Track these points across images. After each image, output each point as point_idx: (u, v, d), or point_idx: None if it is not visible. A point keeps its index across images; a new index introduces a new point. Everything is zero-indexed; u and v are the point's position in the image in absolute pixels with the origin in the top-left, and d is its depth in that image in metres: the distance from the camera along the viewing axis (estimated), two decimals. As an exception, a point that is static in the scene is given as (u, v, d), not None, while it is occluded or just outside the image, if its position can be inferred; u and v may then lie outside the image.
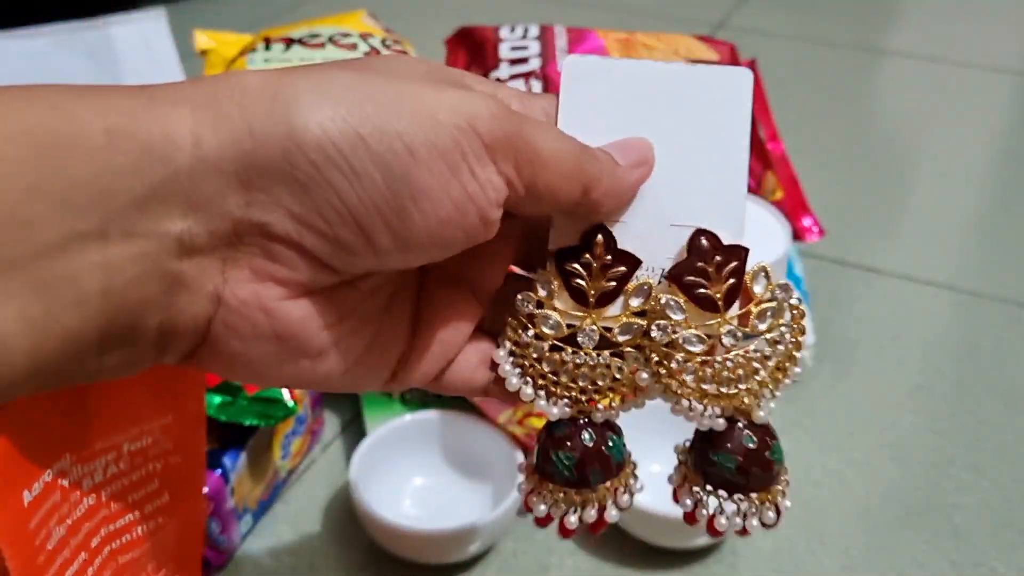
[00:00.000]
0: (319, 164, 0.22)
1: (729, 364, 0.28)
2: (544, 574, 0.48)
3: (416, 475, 0.52)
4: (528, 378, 0.29)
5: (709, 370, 0.28)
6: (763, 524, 0.30)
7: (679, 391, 0.28)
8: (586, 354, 0.28)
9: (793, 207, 0.60)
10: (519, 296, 0.28)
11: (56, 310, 0.21)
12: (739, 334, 0.28)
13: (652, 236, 0.28)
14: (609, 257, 0.28)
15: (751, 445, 0.29)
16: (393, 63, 0.25)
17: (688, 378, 0.28)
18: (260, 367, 0.25)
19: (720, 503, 0.29)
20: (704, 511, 0.29)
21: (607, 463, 0.29)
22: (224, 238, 0.23)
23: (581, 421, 0.29)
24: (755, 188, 0.59)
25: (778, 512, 0.30)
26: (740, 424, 0.29)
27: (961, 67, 1.11)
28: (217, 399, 0.47)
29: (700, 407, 0.28)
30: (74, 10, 0.68)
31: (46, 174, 0.20)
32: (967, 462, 0.56)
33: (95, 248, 0.21)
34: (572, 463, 0.29)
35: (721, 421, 0.28)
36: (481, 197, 0.24)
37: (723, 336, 0.28)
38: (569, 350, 0.28)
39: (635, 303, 0.28)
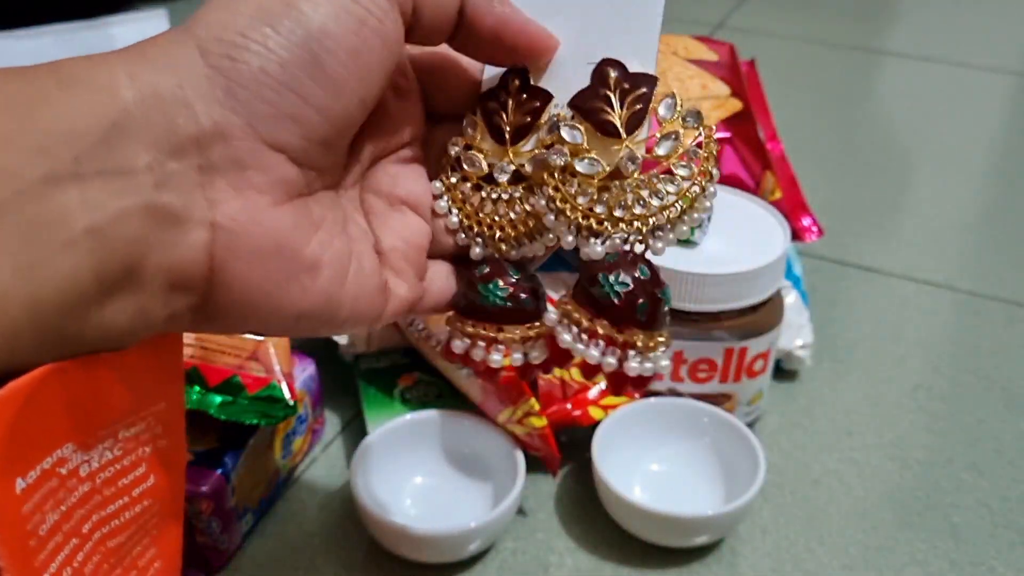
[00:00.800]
0: (229, 51, 0.24)
1: (627, 188, 0.28)
2: (544, 573, 0.49)
3: (416, 474, 0.52)
4: (460, 219, 0.30)
5: (605, 195, 0.27)
6: (643, 373, 0.28)
7: (570, 215, 0.28)
8: (501, 190, 0.29)
9: (792, 207, 0.60)
10: (450, 140, 0.30)
11: (46, 254, 0.21)
12: (638, 157, 0.27)
13: (570, 76, 0.28)
14: (524, 95, 0.29)
15: (642, 276, 0.28)
16: None
17: (581, 200, 0.28)
18: (270, 290, 0.26)
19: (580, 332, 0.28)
20: (580, 346, 0.28)
21: (537, 292, 0.30)
22: (191, 161, 0.24)
23: (501, 260, 0.30)
24: (754, 188, 0.59)
25: (634, 382, 0.29)
26: (637, 255, 0.28)
27: (960, 67, 1.11)
28: (218, 399, 0.47)
29: (593, 236, 0.28)
30: (75, 10, 0.68)
31: (14, 127, 0.21)
32: (966, 462, 0.56)
33: (73, 188, 0.22)
34: (505, 293, 0.29)
35: (600, 249, 0.28)
36: (371, 18, 0.26)
37: (622, 160, 0.28)
38: (488, 188, 0.29)
39: (545, 136, 0.29)
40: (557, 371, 0.51)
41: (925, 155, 0.92)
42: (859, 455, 0.56)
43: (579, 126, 0.28)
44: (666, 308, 0.28)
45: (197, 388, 0.47)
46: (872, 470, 0.55)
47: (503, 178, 0.29)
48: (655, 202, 0.28)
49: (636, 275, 0.28)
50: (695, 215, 0.28)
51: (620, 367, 0.28)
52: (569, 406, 0.52)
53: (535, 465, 0.52)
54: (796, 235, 0.59)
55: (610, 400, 0.53)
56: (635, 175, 0.28)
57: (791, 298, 0.60)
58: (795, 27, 1.21)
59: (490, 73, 0.30)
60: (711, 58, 0.65)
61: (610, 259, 0.28)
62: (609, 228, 0.28)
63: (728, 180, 0.58)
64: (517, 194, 0.29)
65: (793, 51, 1.15)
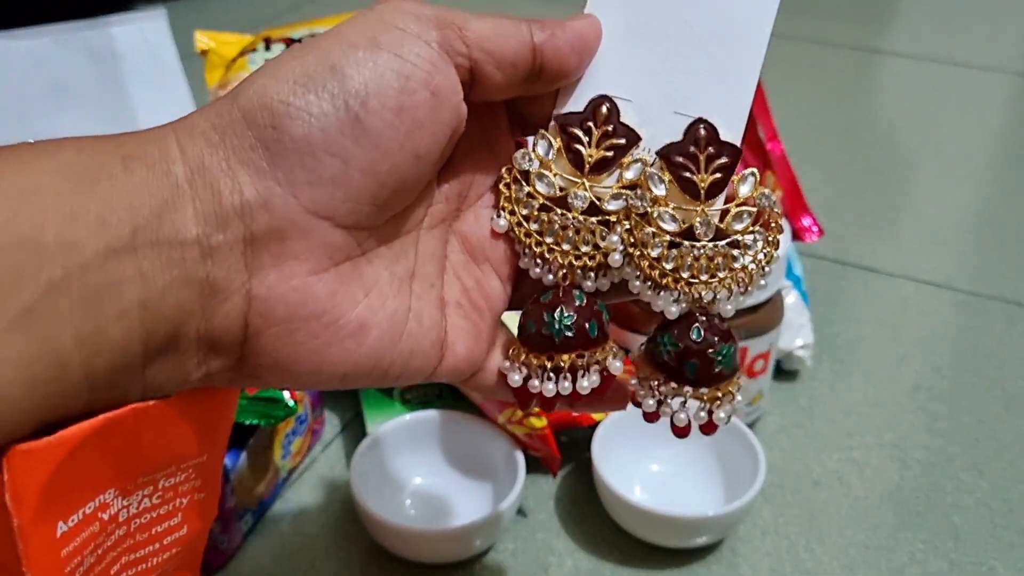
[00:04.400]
0: (272, 120, 0.24)
1: (695, 254, 0.28)
2: (544, 573, 0.49)
3: (416, 475, 0.52)
4: (520, 237, 0.29)
5: (674, 252, 0.28)
6: (683, 419, 0.29)
7: (641, 264, 0.28)
8: (574, 217, 0.29)
9: (792, 207, 0.60)
10: (518, 152, 0.29)
11: (103, 325, 0.23)
12: (712, 226, 0.28)
13: (655, 119, 0.29)
14: (610, 127, 0.28)
15: (695, 337, 0.28)
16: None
17: (653, 253, 0.28)
18: (307, 355, 0.26)
19: (655, 388, 0.29)
20: (642, 395, 0.29)
21: (601, 319, 0.29)
22: (236, 231, 0.24)
23: (569, 288, 0.29)
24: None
25: (704, 427, 0.29)
26: (698, 315, 0.29)
27: (960, 67, 1.11)
28: (217, 399, 0.47)
29: (659, 290, 0.28)
30: (74, 10, 0.68)
31: (82, 201, 0.23)
32: (966, 462, 0.56)
33: (129, 261, 0.23)
34: (570, 321, 0.29)
35: (675, 308, 0.28)
36: (418, 72, 0.25)
37: (696, 224, 0.28)
38: (558, 211, 0.29)
39: (629, 175, 0.29)
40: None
41: (925, 155, 0.92)
42: (859, 455, 0.56)
43: (666, 178, 0.28)
44: (720, 368, 0.29)
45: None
46: (872, 470, 0.55)
47: (578, 205, 0.29)
48: (720, 273, 0.28)
49: (691, 336, 0.28)
50: (752, 285, 0.29)
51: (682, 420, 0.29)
52: (569, 406, 0.52)
53: (535, 465, 0.52)
54: (796, 235, 0.59)
55: (610, 400, 0.52)
56: (706, 240, 0.28)
57: (791, 298, 0.60)
58: (795, 27, 1.21)
59: (567, 95, 0.29)
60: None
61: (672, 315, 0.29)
62: (675, 286, 0.28)
63: (728, 180, 0.58)
64: (589, 224, 0.29)
65: (793, 51, 1.15)
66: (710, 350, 0.28)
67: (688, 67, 0.29)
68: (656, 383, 0.29)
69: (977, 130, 0.98)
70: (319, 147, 0.24)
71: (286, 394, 0.48)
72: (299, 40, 0.68)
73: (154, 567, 0.29)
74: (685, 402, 0.29)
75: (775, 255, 0.29)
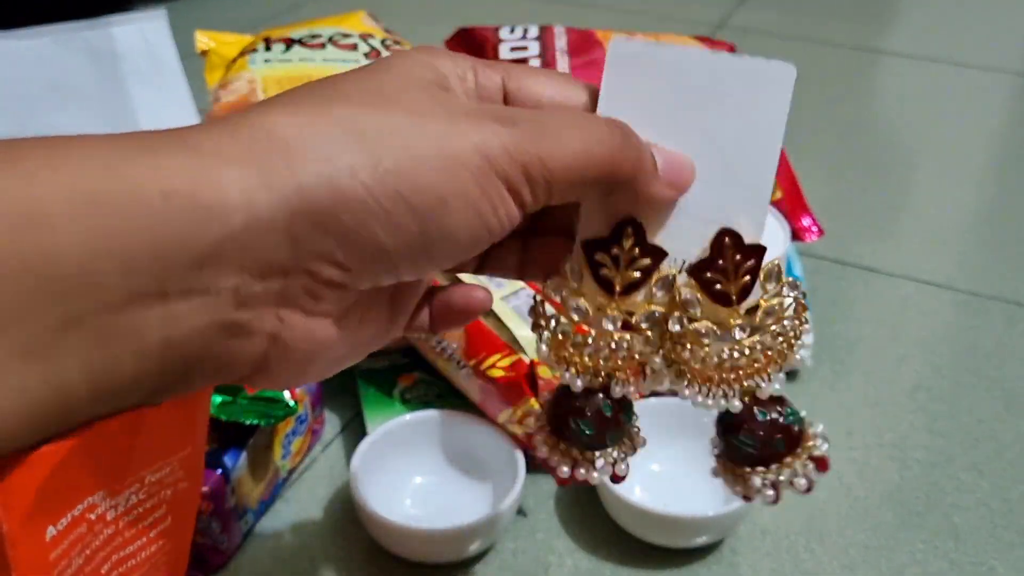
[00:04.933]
0: (362, 219, 0.24)
1: (736, 354, 0.30)
2: (544, 573, 0.49)
3: (416, 474, 0.52)
4: (553, 352, 0.30)
5: (717, 358, 0.29)
6: (803, 483, 0.32)
7: (691, 376, 0.30)
8: (608, 338, 0.30)
9: (792, 207, 0.60)
10: (549, 282, 0.30)
11: (118, 360, 0.22)
12: (748, 328, 0.30)
13: (680, 227, 0.29)
14: (637, 251, 0.29)
15: (764, 418, 0.30)
16: (402, 81, 0.27)
17: (697, 366, 0.30)
18: (307, 376, 0.28)
19: (760, 479, 0.32)
20: (751, 489, 0.32)
21: (621, 427, 0.31)
22: (275, 287, 0.24)
23: (600, 394, 0.31)
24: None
25: (819, 465, 0.32)
26: (750, 404, 0.31)
27: (959, 67, 1.11)
28: (217, 399, 0.47)
29: (712, 391, 0.30)
30: (74, 10, 0.68)
31: (108, 236, 0.21)
32: (966, 462, 0.56)
33: (155, 305, 0.22)
34: (592, 430, 0.31)
35: (737, 403, 0.30)
36: (497, 228, 0.26)
37: (735, 329, 0.30)
38: (593, 332, 0.30)
39: (659, 294, 0.30)
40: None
41: (925, 155, 0.92)
42: (859, 455, 0.56)
43: (698, 295, 0.29)
44: (797, 427, 0.31)
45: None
46: (872, 470, 0.55)
47: (609, 327, 0.30)
48: (758, 363, 0.30)
49: (760, 421, 0.31)
50: (787, 363, 0.31)
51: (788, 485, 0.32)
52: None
53: (535, 465, 0.52)
54: (796, 235, 0.59)
55: (610, 400, 0.52)
56: (744, 341, 0.30)
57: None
58: (795, 27, 1.21)
59: (587, 209, 0.29)
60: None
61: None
62: (723, 388, 0.30)
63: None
64: (624, 342, 0.30)
65: (793, 51, 1.15)
66: (781, 420, 0.31)
67: (706, 174, 0.29)
68: (765, 473, 0.31)
69: (977, 130, 0.98)
70: (385, 251, 0.25)
71: (286, 394, 0.48)
72: (299, 41, 0.68)
73: (143, 561, 0.30)
74: (795, 471, 0.32)
75: (804, 332, 0.31)
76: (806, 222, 0.60)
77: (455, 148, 0.25)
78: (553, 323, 0.30)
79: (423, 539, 0.47)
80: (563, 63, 0.62)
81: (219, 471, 0.46)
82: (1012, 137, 0.97)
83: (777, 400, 0.31)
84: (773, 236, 0.53)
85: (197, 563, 0.47)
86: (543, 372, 0.51)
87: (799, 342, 0.31)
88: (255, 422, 0.47)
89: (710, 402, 0.30)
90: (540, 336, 0.31)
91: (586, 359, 0.30)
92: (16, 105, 0.61)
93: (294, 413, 0.48)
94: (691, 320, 0.29)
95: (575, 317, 0.30)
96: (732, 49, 0.67)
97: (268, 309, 0.25)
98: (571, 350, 0.30)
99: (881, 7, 1.31)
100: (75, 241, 0.21)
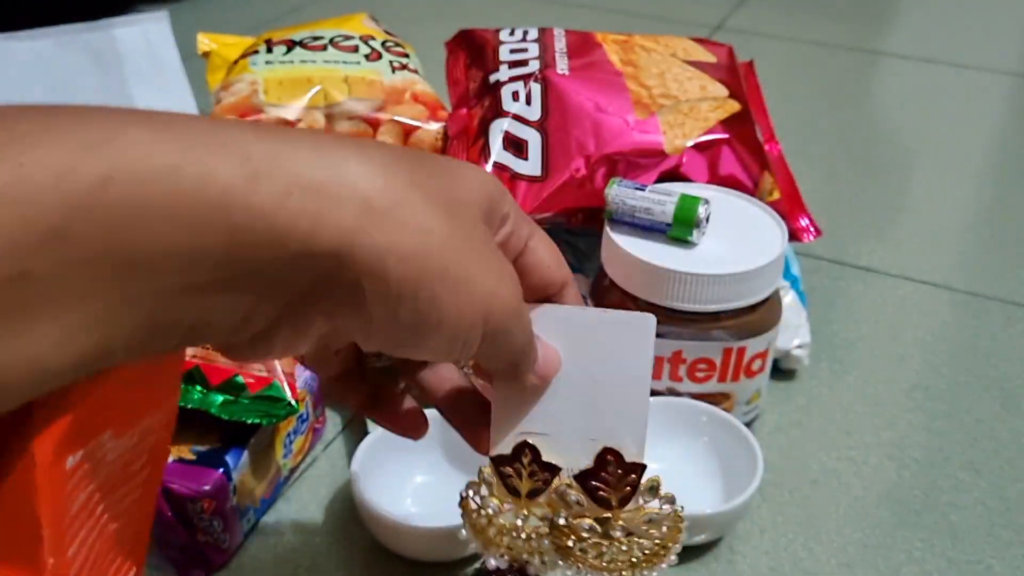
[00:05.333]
0: (376, 296, 0.27)
1: (614, 550, 0.37)
2: (544, 571, 0.49)
3: (417, 473, 0.52)
4: (477, 536, 0.38)
5: (601, 550, 0.37)
6: None
7: (577, 564, 0.37)
8: (520, 529, 0.37)
9: (790, 207, 0.60)
10: (468, 488, 0.38)
11: (154, 331, 0.25)
12: (626, 531, 0.37)
13: (572, 446, 0.36)
14: (536, 467, 0.37)
15: None
16: (467, 194, 0.30)
17: (580, 553, 0.37)
18: (261, 359, 0.31)
19: None
20: None
21: None
22: (287, 305, 0.27)
23: (514, 568, 0.39)
24: (752, 189, 0.59)
25: None
26: None
27: (957, 68, 1.11)
28: (219, 398, 0.47)
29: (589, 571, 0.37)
30: (77, 12, 0.69)
31: (184, 237, 0.24)
32: (964, 461, 0.56)
33: (198, 296, 0.25)
34: None
35: None
36: (456, 360, 0.33)
37: (614, 531, 0.37)
38: (508, 526, 0.37)
39: (553, 497, 0.37)
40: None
41: (923, 155, 0.92)
42: (857, 454, 0.57)
43: (582, 497, 0.36)
44: None
45: (199, 388, 0.47)
46: (870, 469, 0.56)
47: (519, 524, 0.37)
48: (633, 560, 0.37)
49: None
50: (661, 565, 0.38)
51: None
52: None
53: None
54: (794, 235, 0.60)
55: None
56: (619, 540, 0.37)
57: (789, 298, 0.61)
58: (793, 28, 1.21)
59: (498, 435, 0.37)
60: (710, 60, 0.65)
61: None
62: (599, 569, 0.37)
63: (726, 181, 0.58)
64: (532, 534, 0.37)
65: (791, 52, 1.15)
66: None
67: (593, 400, 0.36)
68: None
69: (975, 130, 0.98)
70: (374, 328, 0.28)
71: (287, 393, 0.48)
72: (300, 43, 0.68)
73: (124, 509, 0.31)
74: None
75: (677, 543, 0.38)
76: (804, 222, 0.61)
77: (476, 286, 0.29)
78: (474, 516, 0.38)
79: (424, 537, 0.47)
80: (562, 64, 0.62)
81: (221, 470, 0.46)
82: (1010, 138, 0.97)
83: None
84: (771, 236, 0.53)
85: (199, 561, 0.48)
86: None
87: (673, 547, 0.37)
88: (256, 421, 0.47)
89: None
90: (465, 522, 0.38)
91: (504, 542, 0.38)
92: (19, 106, 0.61)
93: (295, 412, 0.48)
94: (576, 516, 0.36)
95: (492, 514, 0.37)
96: (731, 51, 0.68)
97: (271, 315, 0.27)
98: (491, 535, 0.38)
99: (879, 8, 1.32)
100: (145, 233, 0.23)
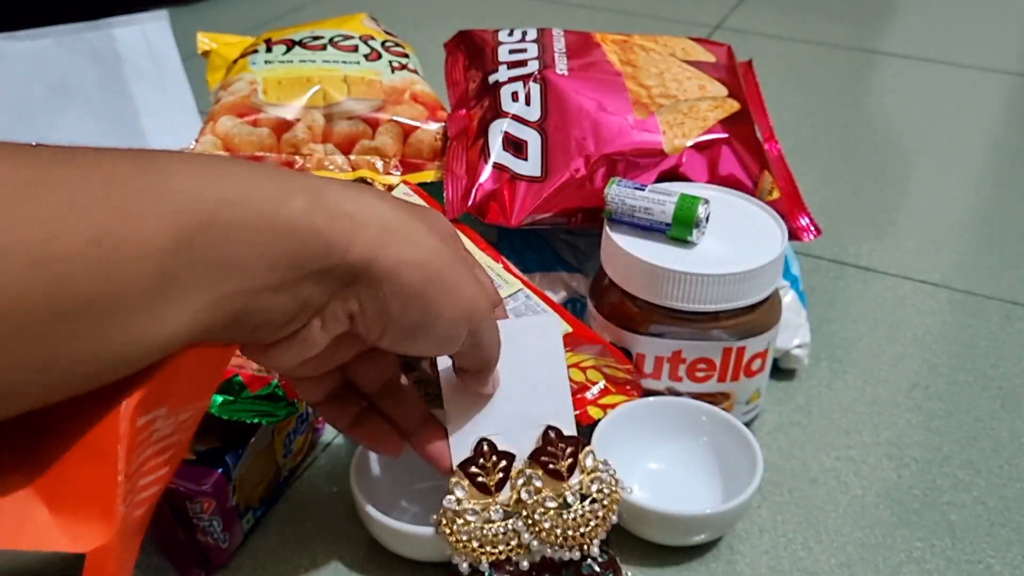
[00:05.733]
0: (397, 296, 0.35)
1: (572, 518, 0.43)
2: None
3: (416, 474, 0.52)
4: (455, 542, 0.44)
5: (561, 519, 0.43)
6: None
7: (544, 536, 0.43)
8: (495, 525, 0.44)
9: (790, 207, 0.60)
10: (446, 497, 0.44)
11: (235, 321, 0.33)
12: (578, 495, 0.44)
13: (520, 436, 0.45)
14: (494, 457, 0.44)
15: (587, 572, 0.45)
16: (445, 227, 0.40)
17: (547, 525, 0.43)
18: (288, 365, 0.38)
19: None
20: None
21: None
22: (325, 301, 0.35)
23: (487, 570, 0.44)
24: (751, 188, 0.59)
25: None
26: (585, 556, 0.44)
27: (956, 68, 1.11)
28: (219, 398, 0.47)
29: (560, 548, 0.44)
30: (77, 11, 0.69)
31: (268, 248, 0.32)
32: (963, 460, 0.56)
33: (270, 294, 0.33)
34: None
35: (577, 553, 0.44)
36: (446, 352, 0.40)
37: (567, 496, 0.44)
38: (484, 525, 0.44)
39: (519, 483, 0.44)
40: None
41: (922, 155, 0.92)
42: (856, 453, 0.57)
43: (539, 472, 0.44)
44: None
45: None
46: (869, 468, 0.56)
47: (495, 518, 0.44)
48: (589, 526, 0.44)
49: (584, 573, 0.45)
50: (608, 525, 0.44)
51: None
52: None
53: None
54: (794, 235, 0.60)
55: (609, 400, 0.53)
56: (576, 506, 0.44)
57: (789, 298, 0.61)
58: (792, 28, 1.21)
59: (457, 443, 0.45)
60: (709, 59, 0.65)
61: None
62: (568, 545, 0.44)
63: (726, 181, 0.58)
64: (509, 527, 0.44)
65: (790, 52, 1.15)
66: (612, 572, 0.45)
67: (528, 398, 0.45)
68: None
69: (974, 130, 0.98)
70: (387, 319, 0.37)
71: (287, 393, 0.48)
72: (300, 42, 0.68)
73: (147, 499, 0.33)
74: None
75: (618, 499, 0.45)
76: (804, 222, 0.61)
77: (464, 291, 0.37)
78: (454, 524, 0.44)
79: (424, 539, 0.47)
80: (561, 65, 0.62)
81: (221, 470, 0.46)
82: (1009, 137, 0.97)
83: (608, 561, 0.45)
84: (770, 236, 0.53)
85: (199, 561, 0.48)
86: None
87: (617, 507, 0.45)
88: (256, 421, 0.47)
89: (565, 554, 0.44)
90: (439, 530, 0.44)
91: (474, 544, 0.43)
92: (19, 106, 0.61)
93: (296, 412, 0.48)
94: (537, 491, 0.44)
95: (471, 519, 0.43)
96: (730, 51, 0.68)
97: (311, 312, 0.35)
98: (464, 539, 0.43)
99: (878, 8, 1.32)
100: (245, 244, 0.31)
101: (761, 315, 0.53)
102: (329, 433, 0.57)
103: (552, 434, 0.44)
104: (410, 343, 0.37)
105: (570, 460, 0.44)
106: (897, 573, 0.49)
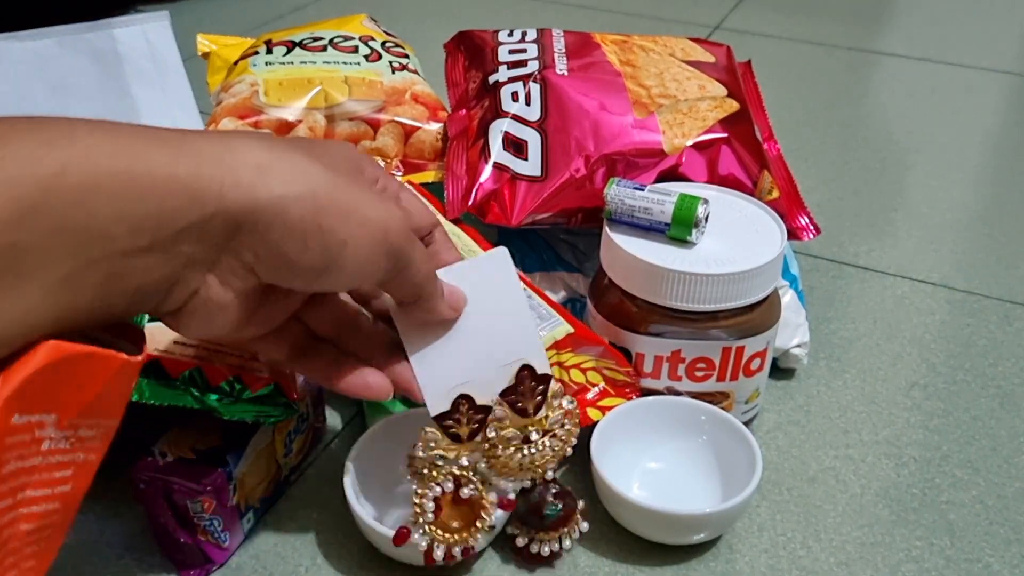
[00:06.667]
0: (287, 235, 0.33)
1: (534, 452, 0.45)
2: (545, 570, 0.49)
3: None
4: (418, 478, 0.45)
5: (520, 454, 0.45)
6: (554, 552, 0.48)
7: (502, 471, 0.45)
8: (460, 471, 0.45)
9: (789, 206, 0.60)
10: (419, 445, 0.44)
11: (109, 293, 0.31)
12: (540, 432, 0.45)
13: (493, 376, 0.44)
14: (472, 412, 0.44)
15: (536, 499, 0.47)
16: (342, 154, 0.38)
17: (509, 462, 0.45)
18: (201, 331, 0.36)
19: (528, 537, 0.48)
20: (521, 543, 0.48)
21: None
22: (213, 257, 0.34)
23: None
24: (751, 188, 0.59)
25: (560, 544, 0.48)
26: (539, 485, 0.47)
27: (954, 67, 1.12)
28: (216, 396, 0.47)
29: (517, 478, 0.46)
30: (77, 11, 0.69)
31: (128, 207, 0.30)
32: (962, 459, 0.57)
33: (142, 256, 0.31)
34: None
35: (528, 482, 0.46)
36: (372, 279, 0.37)
37: (531, 433, 0.45)
38: (451, 476, 0.45)
39: (489, 433, 0.45)
40: (556, 371, 0.51)
41: (921, 155, 0.93)
42: (855, 452, 0.57)
43: (506, 410, 0.45)
44: (551, 518, 0.48)
45: (199, 388, 0.48)
46: (868, 467, 0.56)
47: (464, 462, 0.44)
48: (547, 455, 0.46)
49: (560, 496, 0.47)
50: (565, 454, 0.47)
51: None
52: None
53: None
54: (793, 234, 0.60)
55: (608, 401, 0.53)
56: (538, 441, 0.45)
57: (788, 297, 0.61)
58: (791, 28, 1.21)
59: (432, 396, 0.43)
60: (708, 60, 0.66)
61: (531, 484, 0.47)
62: (524, 475, 0.46)
63: (725, 180, 0.59)
64: (466, 461, 0.45)
65: (790, 52, 1.16)
66: (544, 507, 0.47)
67: (495, 337, 0.44)
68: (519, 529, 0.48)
69: (972, 130, 0.98)
70: (290, 259, 0.34)
71: (288, 393, 0.48)
72: (300, 43, 0.68)
73: (42, 513, 0.32)
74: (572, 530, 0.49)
75: (576, 432, 0.47)
76: (803, 221, 0.61)
77: (369, 213, 0.35)
78: (421, 466, 0.44)
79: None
80: (561, 65, 0.62)
81: (221, 469, 0.46)
82: (1007, 137, 0.98)
83: (560, 491, 0.47)
84: (770, 235, 0.53)
85: (199, 561, 0.48)
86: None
87: (574, 441, 0.47)
88: (257, 421, 0.47)
89: (518, 484, 0.46)
90: (409, 471, 0.45)
91: (443, 475, 0.44)
92: (19, 106, 0.61)
93: (295, 412, 0.48)
94: (501, 429, 0.44)
95: (442, 464, 0.44)
96: (729, 51, 0.68)
97: (201, 271, 0.34)
98: (434, 473, 0.44)
99: (877, 8, 1.32)
100: (106, 208, 0.29)
101: (760, 315, 0.53)
102: (329, 433, 0.57)
103: (525, 373, 0.45)
104: (325, 280, 0.35)
105: (538, 398, 0.45)
106: (896, 572, 0.49)
